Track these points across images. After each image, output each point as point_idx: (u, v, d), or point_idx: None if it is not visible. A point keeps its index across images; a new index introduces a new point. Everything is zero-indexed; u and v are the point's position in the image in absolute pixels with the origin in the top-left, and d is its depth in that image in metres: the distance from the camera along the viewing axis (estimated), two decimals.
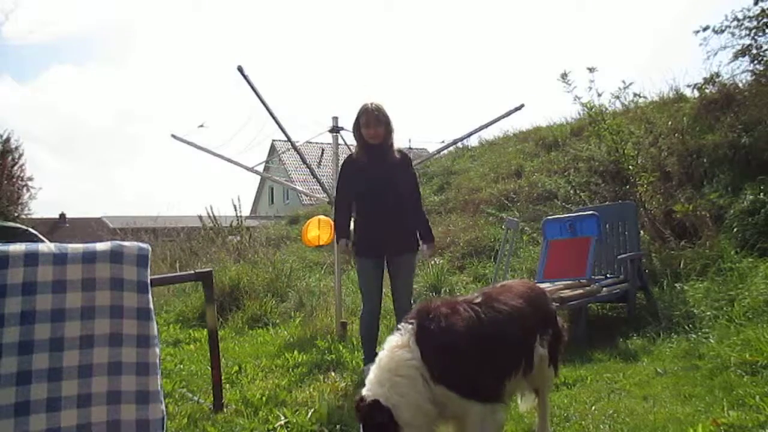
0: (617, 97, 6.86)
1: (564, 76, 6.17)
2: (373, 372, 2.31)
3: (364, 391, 2.26)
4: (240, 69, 5.21)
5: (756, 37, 7.34)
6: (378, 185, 4.03)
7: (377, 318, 4.23)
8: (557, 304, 4.54)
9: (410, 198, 4.16)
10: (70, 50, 74.79)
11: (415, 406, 2.21)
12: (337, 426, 3.16)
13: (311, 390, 3.89)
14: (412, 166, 4.25)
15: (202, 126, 6.46)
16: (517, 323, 2.50)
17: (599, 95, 6.27)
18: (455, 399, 2.28)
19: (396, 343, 2.32)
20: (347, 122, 6.01)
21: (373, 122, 3.99)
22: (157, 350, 2.29)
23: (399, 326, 2.42)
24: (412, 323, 2.34)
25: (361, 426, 2.26)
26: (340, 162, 6.29)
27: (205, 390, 4.02)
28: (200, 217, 11.42)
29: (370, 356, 4.06)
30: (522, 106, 5.41)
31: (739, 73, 7.72)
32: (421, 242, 4.22)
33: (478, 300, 2.48)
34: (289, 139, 5.78)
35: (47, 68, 72.43)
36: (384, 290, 4.29)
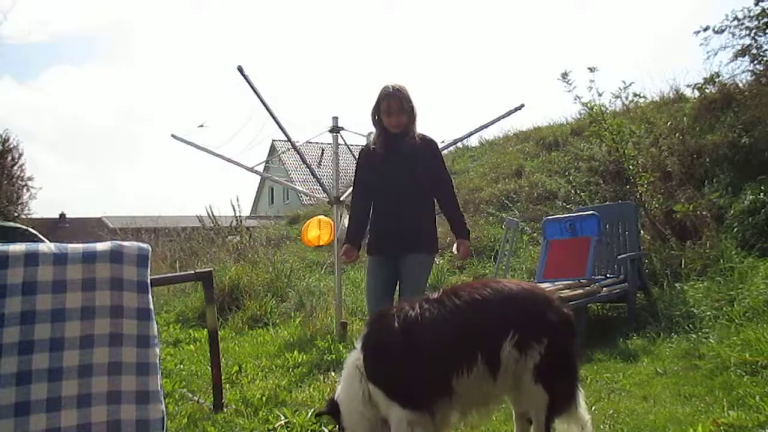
0: (617, 97, 6.86)
1: (564, 75, 6.17)
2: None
3: None
4: (240, 69, 5.21)
5: (756, 36, 7.34)
6: (391, 178, 3.59)
7: None
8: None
9: (432, 191, 3.68)
10: (70, 50, 74.82)
11: (349, 404, 2.44)
12: (337, 426, 3.16)
13: (311, 390, 3.90)
14: (436, 154, 3.72)
15: (202, 126, 6.46)
16: (471, 316, 2.37)
17: (600, 95, 6.28)
18: (382, 399, 2.39)
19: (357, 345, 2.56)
20: (347, 122, 6.00)
21: (395, 110, 3.51)
22: (157, 350, 2.29)
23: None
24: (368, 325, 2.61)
25: None
26: (341, 162, 6.31)
27: (205, 390, 4.02)
28: (199, 218, 11.42)
29: None
30: (522, 106, 5.40)
31: (740, 73, 7.74)
32: (455, 240, 3.76)
33: (435, 296, 2.49)
34: (289, 139, 5.78)
35: (47, 68, 72.46)
36: None
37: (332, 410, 2.52)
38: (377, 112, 3.58)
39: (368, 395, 2.41)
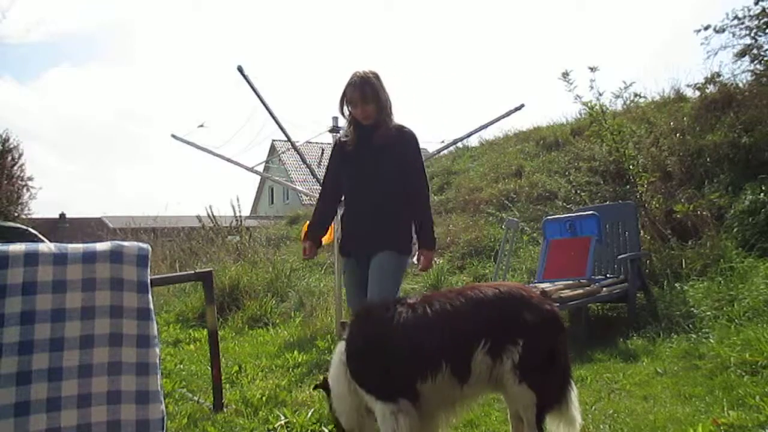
0: (618, 97, 6.87)
1: (565, 75, 6.17)
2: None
3: None
4: (240, 69, 5.22)
5: (756, 36, 7.35)
6: (360, 172, 3.30)
7: None
8: (556, 304, 4.54)
9: (403, 187, 3.29)
10: (70, 50, 74.83)
11: (338, 390, 2.61)
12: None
13: (311, 390, 3.89)
14: (412, 147, 3.34)
15: (202, 126, 6.46)
16: (441, 326, 2.43)
17: (600, 95, 6.27)
18: (363, 393, 2.51)
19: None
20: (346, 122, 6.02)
21: (359, 100, 3.19)
22: (157, 350, 2.29)
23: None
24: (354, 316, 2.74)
25: None
26: None
27: (205, 390, 4.02)
28: (198, 218, 11.42)
29: None
30: (522, 106, 5.41)
31: (740, 72, 7.75)
32: (416, 246, 3.39)
33: (411, 301, 2.55)
34: (289, 139, 5.78)
35: (47, 68, 72.48)
36: None
37: (326, 387, 2.75)
38: (344, 103, 3.29)
39: (353, 386, 2.56)
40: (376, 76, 3.25)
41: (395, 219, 3.29)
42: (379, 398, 2.45)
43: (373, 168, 3.26)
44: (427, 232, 3.32)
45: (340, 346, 2.65)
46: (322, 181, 3.61)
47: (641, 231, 5.86)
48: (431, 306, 2.49)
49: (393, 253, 3.25)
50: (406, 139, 3.31)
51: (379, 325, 2.51)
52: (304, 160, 6.25)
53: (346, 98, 3.26)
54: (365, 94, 3.18)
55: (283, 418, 3.31)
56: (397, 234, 3.29)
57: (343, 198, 3.51)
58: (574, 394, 2.56)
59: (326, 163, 3.61)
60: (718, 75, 7.76)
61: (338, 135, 3.59)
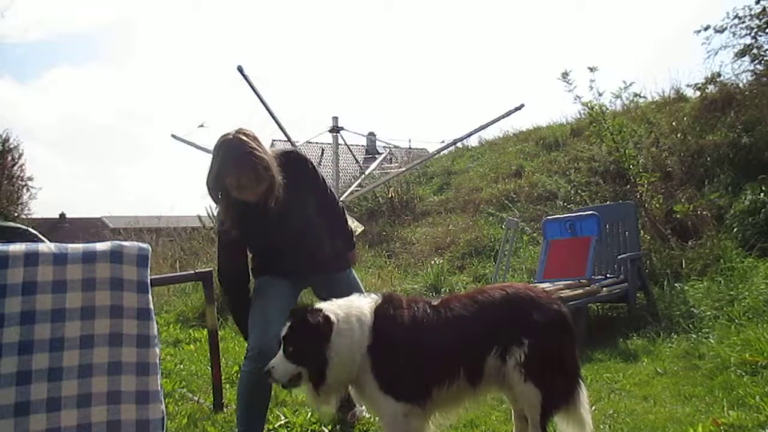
0: (618, 97, 6.87)
1: (564, 75, 6.17)
2: (333, 303, 2.44)
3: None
4: (240, 69, 5.22)
5: (757, 36, 7.36)
6: (271, 236, 2.78)
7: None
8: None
9: (321, 215, 2.93)
10: (70, 50, 74.93)
11: (347, 352, 2.33)
12: (337, 426, 3.17)
13: None
14: (310, 173, 2.85)
15: (202, 126, 6.46)
16: (459, 331, 2.43)
17: (600, 95, 6.28)
18: (373, 389, 2.36)
19: (363, 299, 2.49)
20: (347, 122, 6.02)
21: (250, 183, 2.49)
22: (157, 350, 2.29)
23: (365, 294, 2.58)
24: (378, 297, 2.49)
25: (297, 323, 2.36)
26: (340, 162, 6.32)
27: (205, 390, 4.02)
28: (200, 218, 11.42)
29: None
30: (522, 106, 5.42)
31: (740, 72, 7.75)
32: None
33: (435, 303, 2.52)
34: (289, 139, 5.79)
35: (47, 67, 72.56)
36: None
37: (326, 331, 2.32)
38: (220, 184, 2.55)
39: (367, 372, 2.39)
40: (257, 140, 2.53)
41: (331, 246, 2.99)
42: (397, 398, 2.36)
43: (284, 224, 2.74)
44: (348, 238, 3.14)
45: (367, 311, 2.42)
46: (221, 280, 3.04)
47: (641, 231, 5.86)
48: (452, 310, 2.48)
49: (349, 270, 3.10)
50: (297, 165, 2.75)
51: (410, 323, 2.42)
52: None
53: (224, 181, 2.51)
54: (259, 175, 2.47)
55: (283, 418, 3.31)
56: (343, 252, 3.08)
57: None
58: (583, 395, 2.55)
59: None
60: (719, 75, 7.78)
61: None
